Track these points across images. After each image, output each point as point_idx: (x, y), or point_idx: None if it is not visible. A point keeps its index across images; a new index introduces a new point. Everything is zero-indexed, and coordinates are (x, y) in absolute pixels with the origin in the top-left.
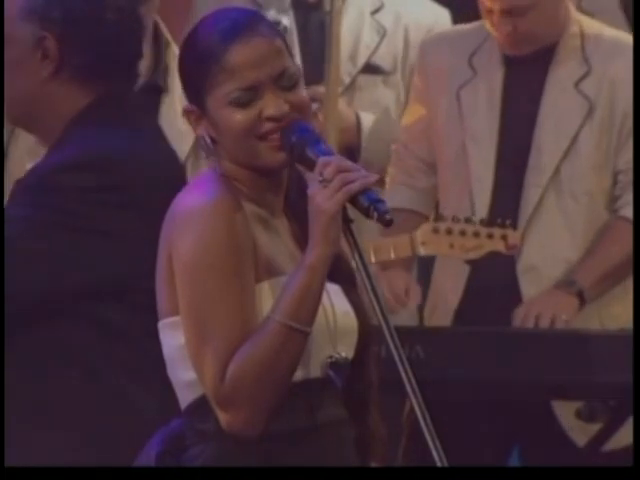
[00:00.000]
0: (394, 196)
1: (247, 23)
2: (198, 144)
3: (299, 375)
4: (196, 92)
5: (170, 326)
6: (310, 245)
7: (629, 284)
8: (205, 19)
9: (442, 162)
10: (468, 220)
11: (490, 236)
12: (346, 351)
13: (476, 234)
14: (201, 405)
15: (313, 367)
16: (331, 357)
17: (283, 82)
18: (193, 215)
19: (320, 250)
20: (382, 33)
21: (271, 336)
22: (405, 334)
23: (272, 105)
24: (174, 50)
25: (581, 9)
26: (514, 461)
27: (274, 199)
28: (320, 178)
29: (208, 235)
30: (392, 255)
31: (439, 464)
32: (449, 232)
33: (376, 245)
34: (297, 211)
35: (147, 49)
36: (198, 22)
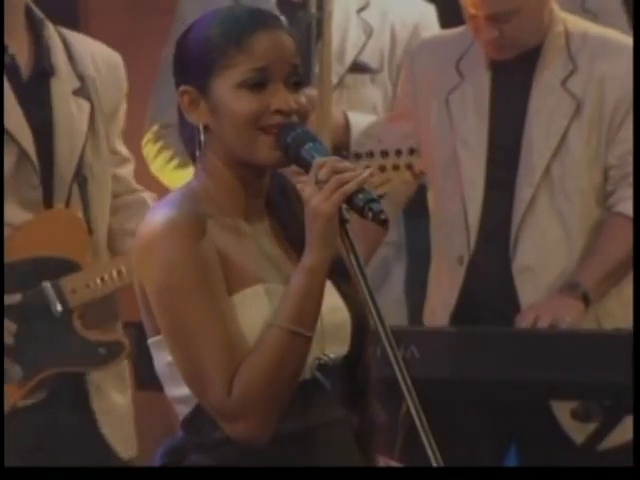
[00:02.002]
0: None
1: (274, 18)
2: (180, 133)
3: None
4: (201, 72)
5: (156, 345)
6: (307, 248)
7: (623, 281)
8: (222, 9)
9: (433, 166)
10: (370, 154)
11: (396, 167)
12: (338, 348)
13: (382, 168)
14: (194, 418)
15: (303, 370)
16: (319, 359)
17: (292, 79)
18: (154, 240)
19: (318, 252)
20: (369, 32)
21: (274, 343)
22: (400, 334)
23: (281, 99)
24: (51, 28)
25: (585, 9)
26: (512, 461)
27: (254, 202)
28: (315, 180)
29: (172, 258)
30: None
31: (434, 464)
32: None
33: None
34: (280, 213)
35: (23, 33)
36: (212, 10)
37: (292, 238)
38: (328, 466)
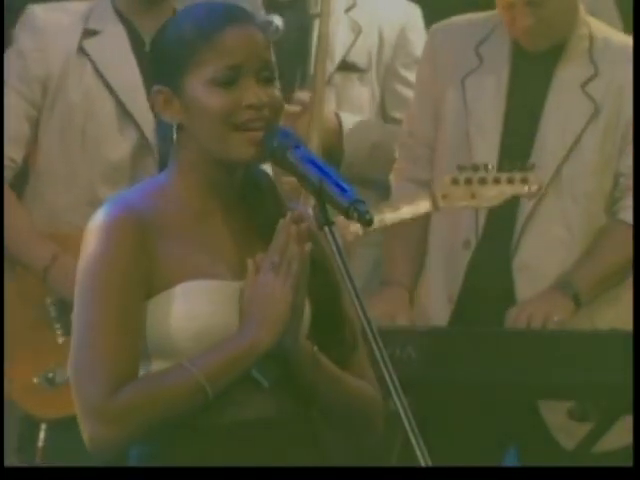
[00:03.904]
0: (400, 193)
1: (243, 12)
2: (158, 130)
3: None
4: (173, 71)
5: None
6: (257, 327)
7: (620, 289)
8: (193, 6)
9: (444, 149)
10: (487, 167)
11: (510, 181)
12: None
13: (496, 181)
14: None
15: None
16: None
17: (264, 74)
18: (88, 235)
19: (267, 336)
20: (357, 30)
21: (181, 385)
22: (397, 335)
23: (252, 93)
24: None
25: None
26: (512, 461)
27: (223, 197)
28: (270, 265)
29: (94, 255)
30: (414, 213)
31: (423, 463)
32: (469, 182)
33: (395, 205)
34: (252, 208)
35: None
36: (184, 8)
37: (260, 234)
38: (329, 466)
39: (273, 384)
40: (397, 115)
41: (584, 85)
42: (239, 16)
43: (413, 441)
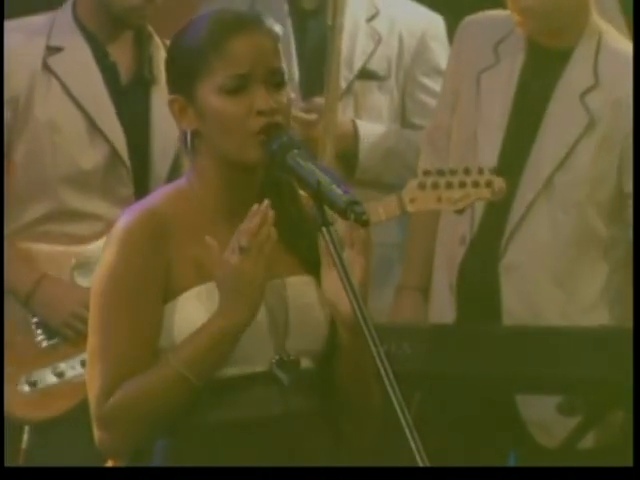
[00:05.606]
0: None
1: (252, 19)
2: (179, 138)
3: (238, 370)
4: (186, 80)
5: None
6: (229, 309)
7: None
8: (206, 14)
9: (453, 144)
10: (453, 172)
11: (476, 184)
12: (304, 344)
13: (462, 184)
14: None
15: (256, 362)
16: (279, 357)
17: (274, 79)
18: (108, 243)
19: (242, 317)
20: (377, 39)
21: (163, 379)
22: (393, 330)
23: (262, 100)
24: (157, 41)
25: None
26: (511, 461)
27: (241, 199)
28: (238, 247)
29: (113, 263)
30: (383, 217)
31: (418, 458)
32: (435, 186)
33: (374, 207)
34: (271, 207)
35: (128, 43)
36: (198, 16)
37: (279, 236)
38: (330, 466)
39: (293, 382)
40: (417, 121)
41: (583, 95)
42: (248, 24)
43: (409, 436)
